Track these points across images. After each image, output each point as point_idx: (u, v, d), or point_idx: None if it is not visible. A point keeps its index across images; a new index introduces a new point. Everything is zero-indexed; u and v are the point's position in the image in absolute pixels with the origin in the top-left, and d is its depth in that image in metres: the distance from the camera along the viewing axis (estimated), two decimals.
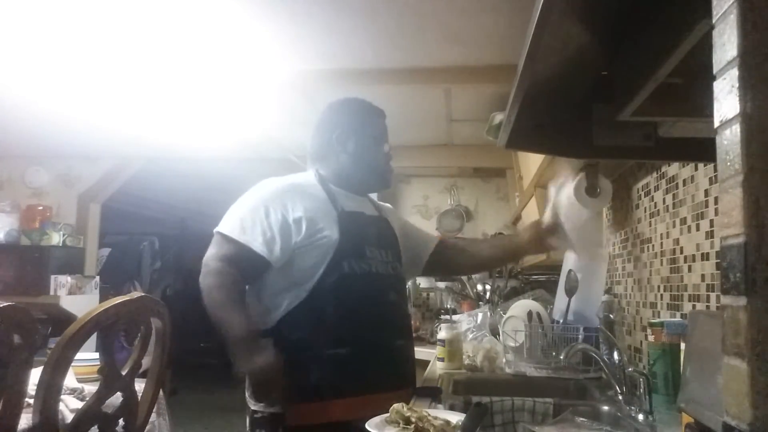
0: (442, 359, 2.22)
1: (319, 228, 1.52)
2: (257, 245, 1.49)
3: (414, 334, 3.42)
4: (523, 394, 1.68)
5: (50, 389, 1.27)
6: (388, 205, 1.91)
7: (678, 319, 1.66)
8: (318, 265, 1.50)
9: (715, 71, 0.45)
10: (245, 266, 1.50)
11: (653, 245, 1.92)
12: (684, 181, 1.66)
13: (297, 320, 1.50)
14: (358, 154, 1.66)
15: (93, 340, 1.47)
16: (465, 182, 4.13)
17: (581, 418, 1.41)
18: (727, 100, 0.44)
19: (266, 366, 1.42)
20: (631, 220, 2.17)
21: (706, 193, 1.50)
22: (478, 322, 2.61)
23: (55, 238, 3.83)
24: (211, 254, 1.51)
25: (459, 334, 2.31)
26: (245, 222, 1.52)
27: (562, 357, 1.91)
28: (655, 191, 1.91)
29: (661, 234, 1.84)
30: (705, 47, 0.52)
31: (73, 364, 1.37)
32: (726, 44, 0.44)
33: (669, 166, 1.78)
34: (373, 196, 1.87)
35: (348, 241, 1.53)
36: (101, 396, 1.44)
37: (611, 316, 2.21)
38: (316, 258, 1.51)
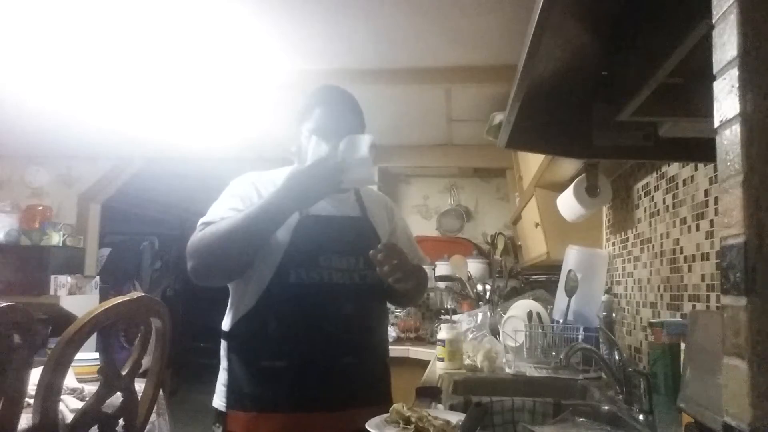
0: (442, 359, 2.22)
1: None
2: (217, 218, 1.46)
3: (414, 335, 3.46)
4: (523, 394, 1.68)
5: (50, 389, 1.27)
6: (385, 199, 1.76)
7: (678, 319, 1.66)
8: (267, 271, 1.44)
9: (715, 71, 0.45)
10: None
11: (653, 245, 1.92)
12: (684, 181, 1.66)
13: (244, 328, 1.47)
14: (301, 152, 1.54)
15: (93, 340, 1.47)
16: (465, 182, 4.13)
17: (581, 418, 1.41)
18: (727, 100, 0.44)
19: (300, 179, 1.35)
20: (631, 220, 2.17)
21: (706, 193, 1.50)
22: (478, 322, 2.61)
23: (55, 238, 3.82)
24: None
25: (459, 334, 2.31)
26: (215, 209, 1.51)
27: (562, 357, 1.91)
28: (655, 191, 1.91)
29: (661, 234, 1.84)
30: (705, 47, 0.53)
31: (73, 364, 1.37)
32: (726, 44, 0.44)
33: (669, 166, 1.78)
34: (373, 187, 1.75)
35: (298, 248, 1.44)
36: (101, 396, 1.44)
37: (611, 316, 2.21)
38: (266, 264, 1.44)
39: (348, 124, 1.51)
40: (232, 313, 1.51)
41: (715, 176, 1.19)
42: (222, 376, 1.50)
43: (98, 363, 1.46)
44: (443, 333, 2.25)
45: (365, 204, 1.62)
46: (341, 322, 1.46)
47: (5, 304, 1.22)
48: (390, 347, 3.40)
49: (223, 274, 1.48)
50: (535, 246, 2.82)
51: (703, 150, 1.08)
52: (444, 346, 2.22)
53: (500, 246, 3.80)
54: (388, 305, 1.73)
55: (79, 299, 3.74)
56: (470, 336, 2.50)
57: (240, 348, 1.47)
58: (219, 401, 1.50)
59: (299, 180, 1.36)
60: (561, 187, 2.35)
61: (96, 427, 1.44)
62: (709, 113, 0.47)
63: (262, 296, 1.44)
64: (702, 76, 0.79)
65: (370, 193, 1.69)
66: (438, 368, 2.22)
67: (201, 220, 1.49)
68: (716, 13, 0.46)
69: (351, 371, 1.47)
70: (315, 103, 1.55)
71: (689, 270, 1.61)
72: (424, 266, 1.70)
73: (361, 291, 1.48)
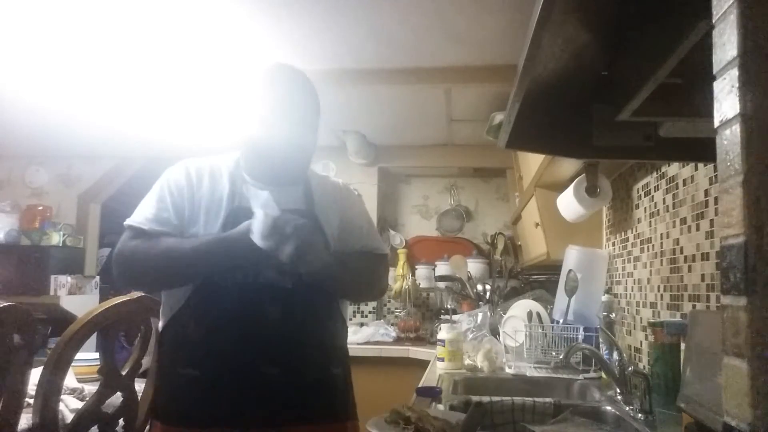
0: (442, 359, 2.22)
1: (195, 225, 1.35)
2: (148, 223, 1.36)
3: (414, 335, 3.46)
4: (523, 394, 1.68)
5: (50, 389, 1.26)
6: (340, 189, 1.55)
7: (678, 319, 1.66)
8: None
9: (715, 71, 0.45)
10: None
11: (653, 245, 1.92)
12: (684, 181, 1.66)
13: (166, 333, 1.37)
14: (245, 137, 1.41)
15: (93, 340, 1.47)
16: (465, 182, 4.13)
17: (581, 418, 1.41)
18: (727, 100, 0.44)
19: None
20: (631, 220, 2.17)
21: (706, 193, 1.50)
22: (478, 322, 2.61)
23: (55, 238, 3.82)
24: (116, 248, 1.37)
25: (459, 334, 2.31)
26: (143, 208, 1.40)
27: (562, 357, 1.91)
28: (655, 191, 1.91)
29: (661, 234, 1.84)
30: (705, 47, 0.53)
31: (73, 364, 1.37)
32: (726, 44, 0.44)
33: (669, 166, 1.78)
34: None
35: None
36: (101, 396, 1.44)
37: (611, 316, 2.21)
38: None
39: (303, 105, 1.41)
40: (164, 315, 1.40)
41: (715, 176, 1.19)
42: None
43: (98, 363, 1.46)
44: (443, 333, 2.26)
45: (314, 197, 1.46)
46: (264, 327, 1.30)
47: (5, 304, 1.22)
48: (390, 347, 3.39)
49: (153, 289, 1.45)
50: (535, 246, 2.82)
51: (703, 150, 1.07)
52: (444, 346, 2.22)
53: (500, 246, 3.81)
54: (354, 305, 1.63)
55: (79, 299, 3.74)
56: (470, 336, 2.50)
57: (163, 355, 1.39)
58: None
59: (238, 252, 1.26)
60: (561, 187, 2.35)
61: (96, 427, 1.44)
62: (709, 113, 0.47)
63: (188, 299, 1.33)
64: (702, 76, 0.79)
65: (324, 184, 1.53)
66: (438, 368, 2.22)
67: (128, 222, 1.38)
68: (716, 13, 0.46)
69: (273, 384, 1.29)
70: (270, 81, 1.42)
71: (689, 270, 1.61)
72: (379, 253, 1.54)
73: (297, 292, 1.33)
